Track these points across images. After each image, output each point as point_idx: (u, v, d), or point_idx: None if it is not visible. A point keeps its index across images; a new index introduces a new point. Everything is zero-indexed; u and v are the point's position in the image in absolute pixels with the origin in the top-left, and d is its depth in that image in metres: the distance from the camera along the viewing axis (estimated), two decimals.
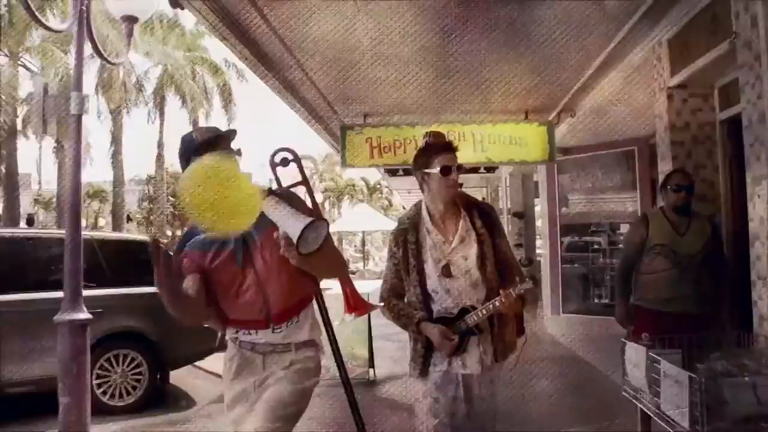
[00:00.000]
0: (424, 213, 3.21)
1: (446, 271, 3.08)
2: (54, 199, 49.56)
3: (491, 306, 2.98)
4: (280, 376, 2.66)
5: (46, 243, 7.00)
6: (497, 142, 7.90)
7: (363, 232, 34.75)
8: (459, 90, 6.91)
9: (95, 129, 26.49)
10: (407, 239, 3.16)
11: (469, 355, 3.06)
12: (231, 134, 2.68)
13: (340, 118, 7.91)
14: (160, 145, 32.72)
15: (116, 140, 29.28)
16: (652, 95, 5.50)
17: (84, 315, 5.18)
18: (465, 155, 7.56)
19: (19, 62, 22.64)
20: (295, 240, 2.30)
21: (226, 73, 33.05)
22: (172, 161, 33.65)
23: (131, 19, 6.26)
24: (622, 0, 4.85)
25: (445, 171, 3.02)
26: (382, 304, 3.25)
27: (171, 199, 33.91)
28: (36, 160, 47.44)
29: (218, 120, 33.87)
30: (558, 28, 5.26)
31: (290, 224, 2.35)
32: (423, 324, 3.06)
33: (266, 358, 2.70)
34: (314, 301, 2.97)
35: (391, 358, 7.63)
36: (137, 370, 6.71)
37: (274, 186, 3.27)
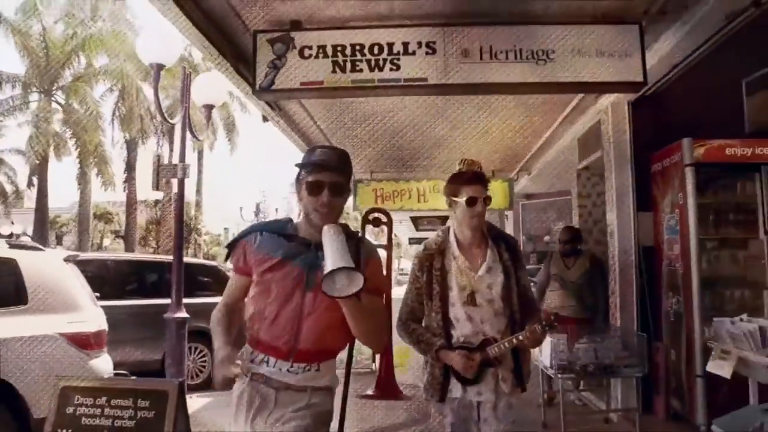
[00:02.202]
0: (452, 238, 3.21)
1: (471, 299, 3.07)
2: (57, 218, 51.79)
3: (515, 340, 2.97)
4: (293, 416, 2.44)
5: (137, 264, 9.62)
6: None
7: None
8: (443, 156, 9.41)
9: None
10: (432, 264, 3.15)
11: (484, 384, 3.06)
12: (343, 163, 2.52)
13: (354, 174, 10.42)
14: None
15: (130, 167, 31.63)
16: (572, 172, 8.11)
17: (184, 314, 7.66)
18: (444, 203, 10.13)
19: (52, 98, 25.19)
20: (324, 273, 2.19)
21: (230, 105, 35.40)
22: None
23: (209, 107, 8.82)
24: (551, 105, 7.31)
25: (471, 202, 3.07)
26: (399, 326, 3.25)
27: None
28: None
29: (222, 148, 36.20)
30: (515, 117, 7.39)
31: (330, 257, 2.23)
32: (443, 352, 3.05)
33: (279, 394, 2.45)
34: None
35: None
36: (204, 359, 9.14)
37: None
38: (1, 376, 4.83)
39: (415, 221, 18.78)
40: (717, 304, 5.40)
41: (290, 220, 2.61)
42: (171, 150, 34.50)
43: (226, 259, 2.62)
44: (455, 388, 3.08)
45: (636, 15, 4.34)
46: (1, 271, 5.14)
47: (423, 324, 3.20)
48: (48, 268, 5.38)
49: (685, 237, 5.47)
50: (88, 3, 27.27)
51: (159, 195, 37.23)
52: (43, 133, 24.23)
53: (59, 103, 25.78)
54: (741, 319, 3.54)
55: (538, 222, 12.90)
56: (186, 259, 10.47)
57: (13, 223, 31.35)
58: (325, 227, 2.33)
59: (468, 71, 4.18)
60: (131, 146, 31.03)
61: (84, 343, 5.22)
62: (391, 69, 4.19)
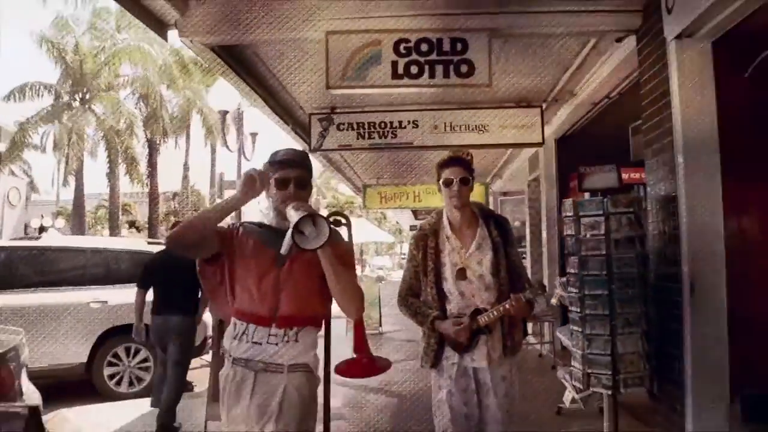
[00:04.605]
0: (445, 220, 3.41)
1: (461, 275, 3.28)
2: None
3: (501, 308, 3.16)
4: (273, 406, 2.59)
5: None
6: None
7: (361, 243, 39.75)
8: (433, 167, 12.25)
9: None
10: (427, 244, 3.36)
11: (477, 350, 3.26)
12: (302, 159, 2.80)
13: (362, 180, 13.34)
14: (186, 166, 37.62)
15: (152, 164, 34.43)
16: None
17: None
18: (435, 201, 13.08)
19: (87, 106, 28.11)
20: (291, 227, 2.36)
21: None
22: (196, 180, 39.05)
23: (224, 112, 11.56)
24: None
25: (447, 183, 3.32)
26: (399, 301, 3.49)
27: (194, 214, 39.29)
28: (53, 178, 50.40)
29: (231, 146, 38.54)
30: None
31: (294, 216, 2.38)
32: (437, 321, 3.27)
33: (258, 376, 2.62)
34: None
35: (391, 322, 12.97)
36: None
37: None
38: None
39: (414, 212, 21.97)
40: None
41: (262, 222, 2.86)
42: (188, 146, 37.34)
43: None
44: (450, 354, 3.30)
45: (538, 101, 7.21)
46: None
47: (420, 299, 3.42)
48: None
49: None
50: (113, 16, 29.97)
51: (177, 188, 40.14)
52: (81, 137, 27.15)
53: (93, 111, 28.66)
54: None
55: (513, 212, 15.79)
56: None
57: (42, 216, 34.20)
58: (287, 207, 2.52)
59: (437, 138, 7.02)
60: (152, 145, 33.84)
61: None
62: (391, 137, 7.04)
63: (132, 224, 52.44)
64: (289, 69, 6.20)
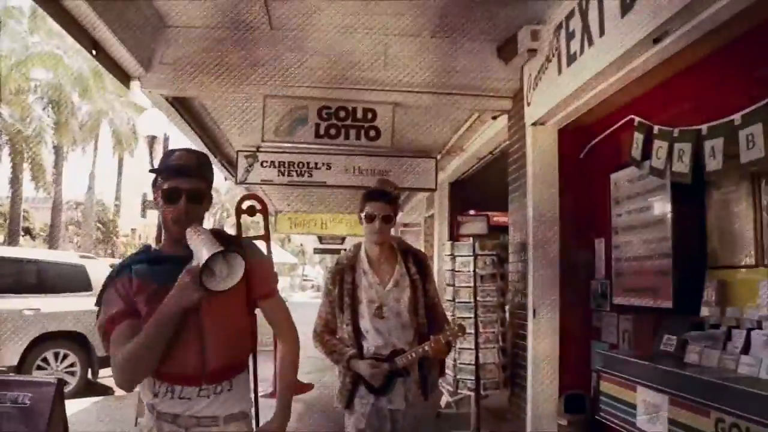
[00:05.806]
0: (363, 254, 3.36)
1: (378, 312, 3.23)
2: None
3: (420, 350, 3.13)
4: None
5: None
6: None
7: None
8: (339, 198, 13.42)
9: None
10: (344, 278, 3.30)
11: (394, 393, 3.22)
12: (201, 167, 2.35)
13: (275, 206, 14.36)
14: (92, 176, 37.28)
15: (58, 172, 33.96)
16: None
17: None
18: (341, 229, 14.28)
19: None
20: (200, 266, 1.97)
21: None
22: (101, 190, 38.64)
23: (152, 137, 12.33)
24: None
25: (369, 218, 3.27)
26: (314, 337, 3.40)
27: (99, 225, 38.88)
28: None
29: (143, 157, 38.39)
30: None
31: (202, 250, 2.02)
32: (353, 361, 3.21)
33: None
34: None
35: None
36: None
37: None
38: (80, 330, 8.56)
39: (319, 237, 23.11)
40: None
41: (149, 246, 2.46)
42: (95, 156, 37.07)
43: (98, 313, 2.27)
44: (365, 393, 3.24)
45: (434, 153, 8.55)
46: (77, 271, 8.82)
47: (337, 335, 3.36)
48: (101, 269, 9.04)
49: None
50: (26, 17, 29.61)
51: (81, 196, 39.53)
52: None
53: None
54: None
55: (414, 242, 17.24)
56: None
57: None
58: (187, 230, 2.16)
59: (347, 179, 8.19)
60: (59, 152, 33.43)
61: None
62: (308, 176, 8.13)
63: (27, 231, 50.96)
64: (225, 114, 7.26)
